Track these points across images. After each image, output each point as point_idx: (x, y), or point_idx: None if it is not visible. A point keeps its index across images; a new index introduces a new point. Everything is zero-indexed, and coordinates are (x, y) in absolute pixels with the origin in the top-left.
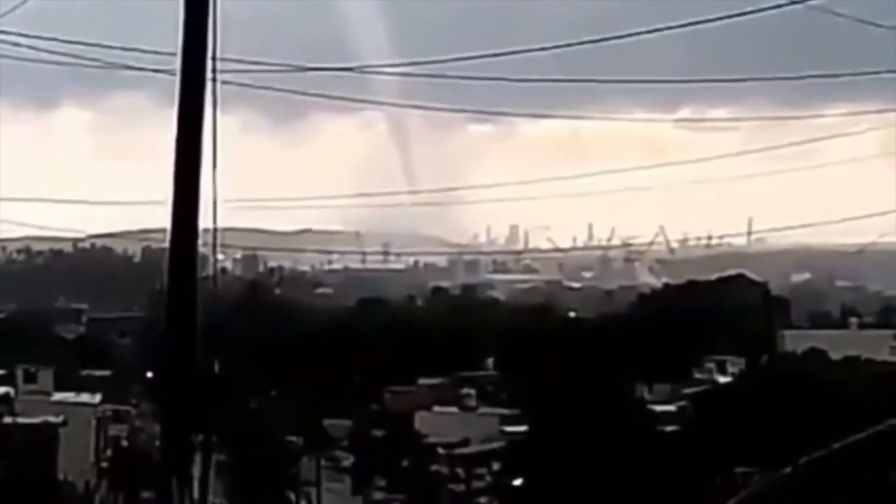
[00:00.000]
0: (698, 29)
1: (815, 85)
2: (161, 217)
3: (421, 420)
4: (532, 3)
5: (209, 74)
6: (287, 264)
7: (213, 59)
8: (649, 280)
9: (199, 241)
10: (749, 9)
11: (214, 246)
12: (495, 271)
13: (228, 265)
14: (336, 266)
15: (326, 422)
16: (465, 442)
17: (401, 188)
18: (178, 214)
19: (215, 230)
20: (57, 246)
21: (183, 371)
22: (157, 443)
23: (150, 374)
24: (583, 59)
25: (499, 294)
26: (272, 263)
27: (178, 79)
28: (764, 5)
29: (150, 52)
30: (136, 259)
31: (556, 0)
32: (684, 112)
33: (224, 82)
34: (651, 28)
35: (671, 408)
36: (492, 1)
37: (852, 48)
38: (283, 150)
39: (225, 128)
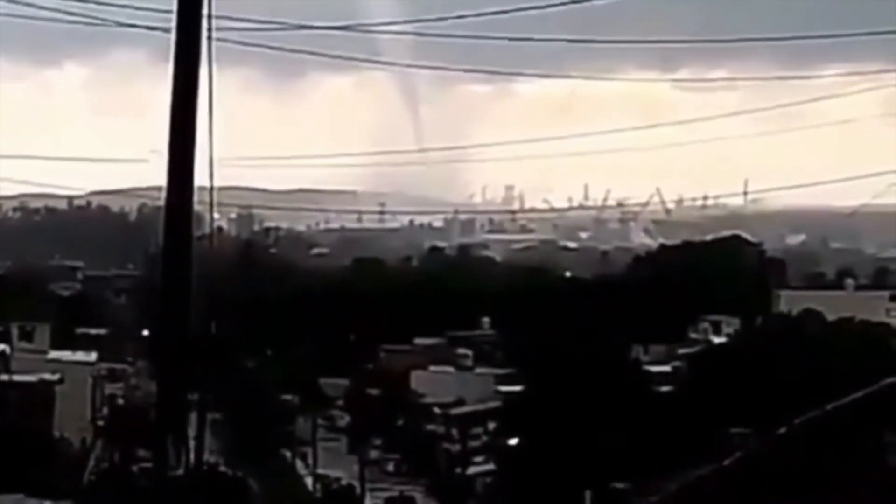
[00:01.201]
0: None
1: (814, 46)
2: (157, 175)
3: (417, 380)
4: None
5: (204, 32)
6: (283, 224)
7: (209, 17)
8: (645, 241)
9: (195, 200)
10: None
11: (211, 205)
12: (491, 231)
13: (224, 224)
14: (332, 225)
15: (322, 381)
16: (460, 402)
17: (397, 148)
18: (174, 173)
19: (211, 189)
20: (52, 203)
21: (178, 330)
22: (153, 401)
23: (145, 333)
24: (583, 18)
25: (494, 254)
26: (268, 223)
27: (173, 36)
28: None
29: (147, 10)
30: (132, 217)
31: None
32: (684, 72)
33: (219, 40)
34: None
35: (666, 368)
36: None
37: (851, 9)
38: (281, 109)
39: (223, 86)
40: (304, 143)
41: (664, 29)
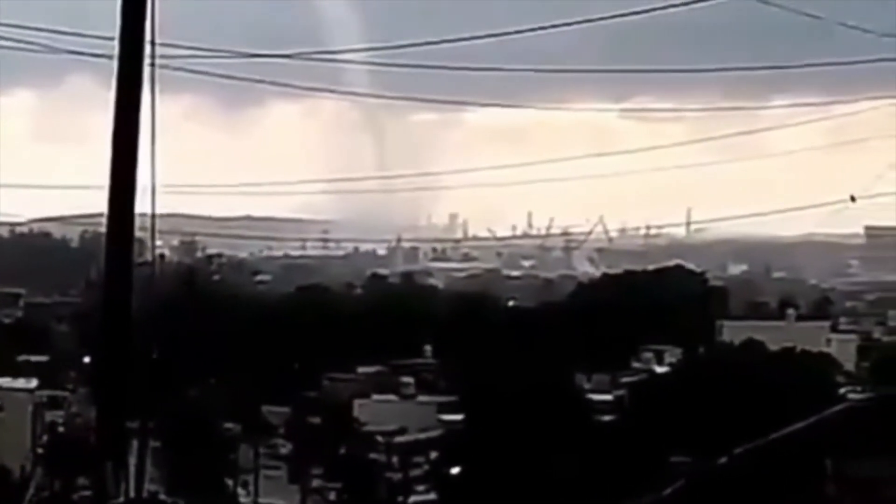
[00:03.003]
0: (649, 19)
1: (761, 77)
2: (100, 202)
3: (359, 408)
4: None
5: (147, 59)
6: (227, 251)
7: (152, 44)
8: (588, 269)
9: (137, 227)
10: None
11: (153, 231)
12: (434, 259)
13: (167, 251)
14: (275, 253)
15: (264, 409)
16: (402, 430)
17: (342, 175)
18: (115, 200)
19: (153, 216)
20: None
21: (119, 357)
22: (94, 429)
23: (87, 360)
24: (533, 49)
25: (438, 282)
26: (211, 250)
27: (115, 63)
28: None
29: (93, 37)
30: (75, 244)
31: None
32: (633, 102)
33: (164, 67)
34: (591, 18)
35: (609, 397)
36: None
37: (797, 42)
38: (228, 136)
39: (169, 114)
40: (250, 171)
41: (615, 59)
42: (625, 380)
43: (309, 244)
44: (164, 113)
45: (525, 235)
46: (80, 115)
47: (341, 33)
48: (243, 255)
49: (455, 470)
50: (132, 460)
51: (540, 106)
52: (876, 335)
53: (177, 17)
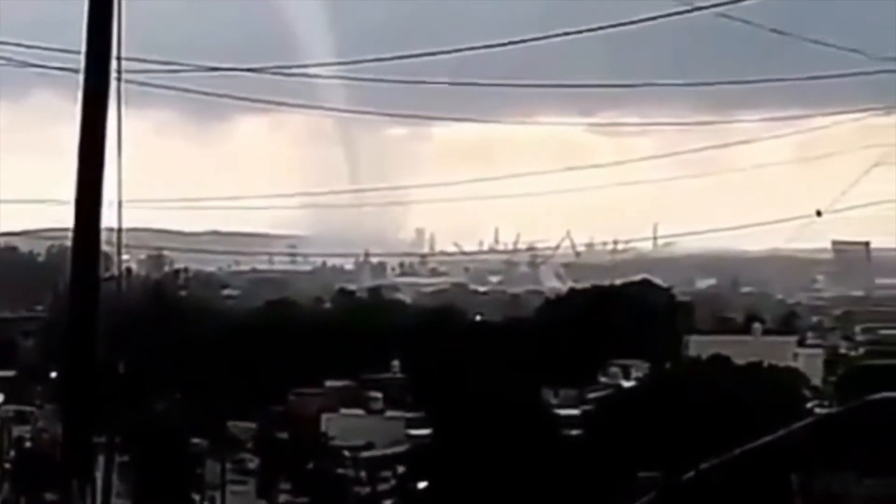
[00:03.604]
0: (618, 34)
1: (730, 91)
2: (66, 216)
3: (327, 422)
4: (462, 5)
5: (113, 73)
6: (194, 266)
7: (118, 58)
8: (555, 284)
9: (103, 241)
10: (662, 13)
11: (119, 246)
12: (402, 274)
13: (134, 266)
14: (243, 267)
15: (231, 424)
16: (370, 445)
17: (310, 190)
18: (81, 214)
19: (120, 230)
20: None
21: (85, 372)
22: (61, 444)
23: (54, 375)
24: (501, 63)
25: (405, 297)
26: (178, 264)
27: (81, 77)
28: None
29: (60, 51)
30: (41, 258)
31: (485, 2)
32: (603, 116)
33: (130, 82)
34: (566, 31)
35: (576, 412)
36: (422, 3)
37: (767, 57)
38: (197, 150)
39: (136, 128)
40: (218, 185)
41: (584, 74)
42: (592, 394)
43: (276, 259)
44: (131, 127)
45: (492, 250)
46: (46, 129)
47: (311, 47)
48: (211, 269)
49: (422, 485)
50: (99, 475)
51: (508, 121)
52: (842, 350)
53: (144, 31)
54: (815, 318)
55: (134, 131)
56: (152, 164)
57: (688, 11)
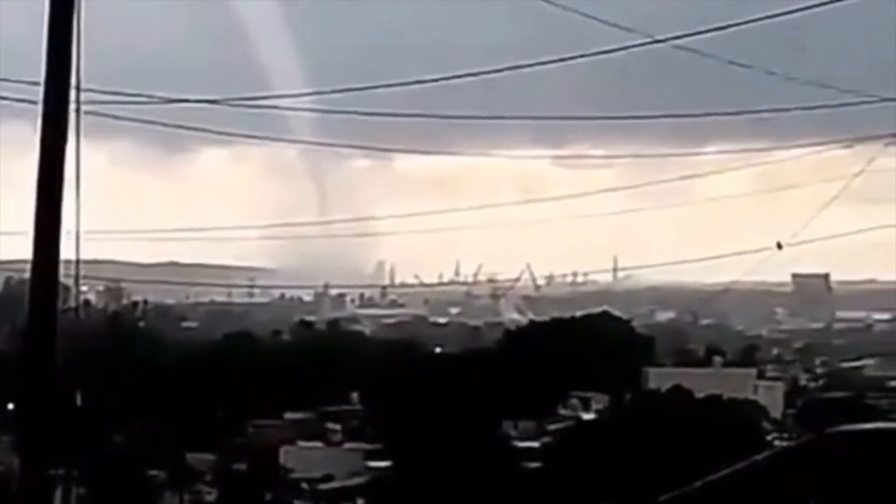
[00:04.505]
0: (584, 65)
1: (693, 124)
2: (24, 248)
3: (286, 455)
4: (424, 36)
5: (72, 105)
6: (152, 297)
7: (77, 89)
8: (515, 316)
9: (62, 273)
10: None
11: (77, 277)
12: (362, 306)
13: (92, 297)
14: (201, 299)
15: (190, 456)
16: (329, 477)
17: (270, 221)
18: (40, 246)
19: (78, 262)
20: None
21: (42, 403)
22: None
23: (10, 407)
24: (468, 93)
25: (364, 328)
26: (136, 296)
27: (40, 108)
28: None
29: (15, 81)
30: None
31: (450, 33)
32: (566, 149)
33: (87, 113)
34: (529, 63)
35: (535, 444)
36: (386, 34)
37: (729, 89)
38: (156, 182)
39: (99, 159)
40: (178, 216)
41: (549, 106)
42: (551, 427)
43: (235, 291)
44: (91, 158)
45: (452, 282)
46: (3, 161)
47: (274, 77)
48: (169, 301)
49: None
50: None
51: (472, 153)
52: (802, 382)
53: (106, 61)
54: (775, 351)
55: (94, 162)
56: (112, 195)
57: (647, 44)
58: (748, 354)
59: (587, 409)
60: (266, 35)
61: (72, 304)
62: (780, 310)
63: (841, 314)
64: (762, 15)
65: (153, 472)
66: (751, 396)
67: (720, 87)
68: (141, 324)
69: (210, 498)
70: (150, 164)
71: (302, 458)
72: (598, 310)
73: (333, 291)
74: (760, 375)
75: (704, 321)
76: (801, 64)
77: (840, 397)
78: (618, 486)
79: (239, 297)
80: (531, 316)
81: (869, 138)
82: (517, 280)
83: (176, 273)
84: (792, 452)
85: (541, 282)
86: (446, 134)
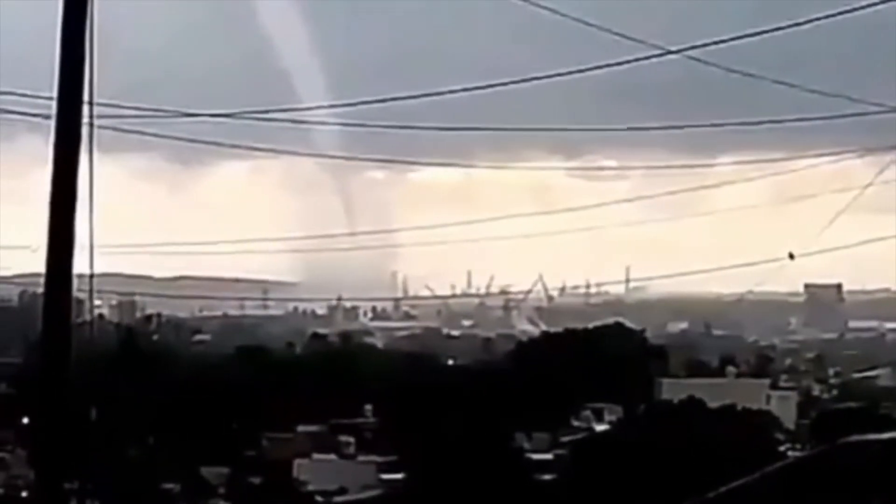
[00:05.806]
0: (597, 78)
1: (708, 134)
2: (38, 262)
3: (299, 468)
4: (441, 48)
5: (85, 119)
6: (165, 311)
7: (90, 104)
8: (527, 328)
9: (75, 287)
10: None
11: (91, 292)
12: (375, 318)
13: (106, 311)
14: (214, 312)
15: (204, 469)
16: (342, 490)
17: (284, 234)
18: (53, 260)
19: (91, 276)
20: None
21: (57, 417)
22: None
23: (25, 421)
24: (484, 106)
25: (377, 341)
26: (150, 310)
27: (53, 123)
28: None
29: (29, 96)
30: (14, 304)
31: (466, 47)
32: (581, 161)
33: (101, 127)
34: (545, 75)
35: (549, 456)
36: (404, 46)
37: (743, 99)
38: (169, 195)
39: (114, 173)
40: (192, 230)
41: (565, 118)
42: (565, 438)
43: (248, 303)
44: (106, 172)
45: (465, 294)
46: (17, 175)
47: (292, 90)
48: (182, 314)
49: None
50: None
51: (487, 165)
52: (815, 392)
53: (121, 74)
54: (788, 361)
55: (109, 176)
56: (127, 209)
57: (660, 55)
58: (761, 365)
59: (600, 420)
60: (285, 45)
61: (86, 318)
62: (793, 320)
63: (853, 324)
64: (773, 27)
65: (168, 486)
66: (764, 407)
67: (733, 98)
68: (154, 337)
69: None
70: (167, 178)
71: (316, 471)
72: (610, 321)
73: (346, 304)
74: (774, 386)
75: (717, 332)
76: (812, 74)
77: (854, 408)
78: (632, 498)
79: (252, 309)
80: (544, 327)
81: (880, 149)
82: (530, 291)
83: (189, 286)
84: (806, 463)
85: (553, 293)
86: (462, 146)
